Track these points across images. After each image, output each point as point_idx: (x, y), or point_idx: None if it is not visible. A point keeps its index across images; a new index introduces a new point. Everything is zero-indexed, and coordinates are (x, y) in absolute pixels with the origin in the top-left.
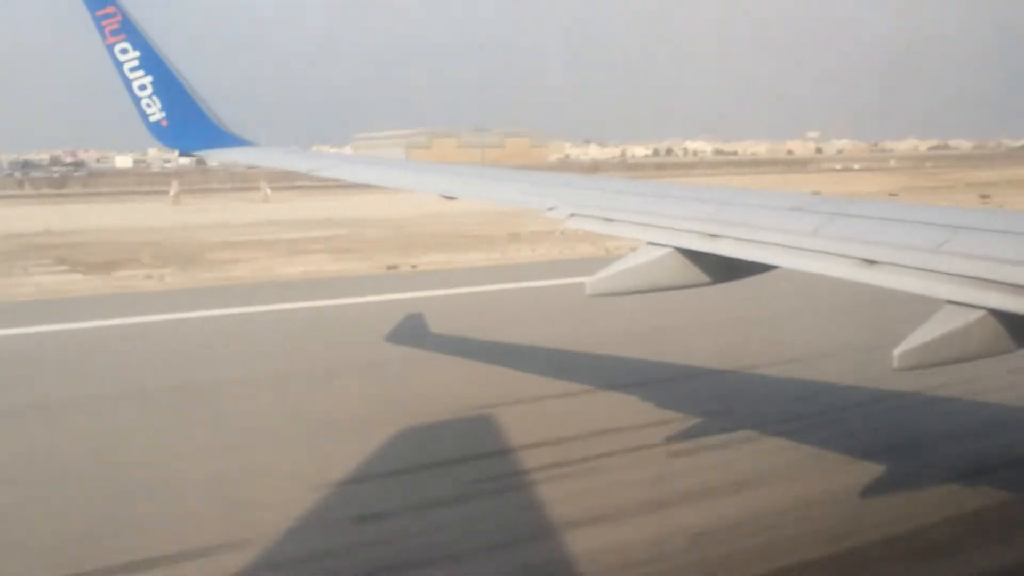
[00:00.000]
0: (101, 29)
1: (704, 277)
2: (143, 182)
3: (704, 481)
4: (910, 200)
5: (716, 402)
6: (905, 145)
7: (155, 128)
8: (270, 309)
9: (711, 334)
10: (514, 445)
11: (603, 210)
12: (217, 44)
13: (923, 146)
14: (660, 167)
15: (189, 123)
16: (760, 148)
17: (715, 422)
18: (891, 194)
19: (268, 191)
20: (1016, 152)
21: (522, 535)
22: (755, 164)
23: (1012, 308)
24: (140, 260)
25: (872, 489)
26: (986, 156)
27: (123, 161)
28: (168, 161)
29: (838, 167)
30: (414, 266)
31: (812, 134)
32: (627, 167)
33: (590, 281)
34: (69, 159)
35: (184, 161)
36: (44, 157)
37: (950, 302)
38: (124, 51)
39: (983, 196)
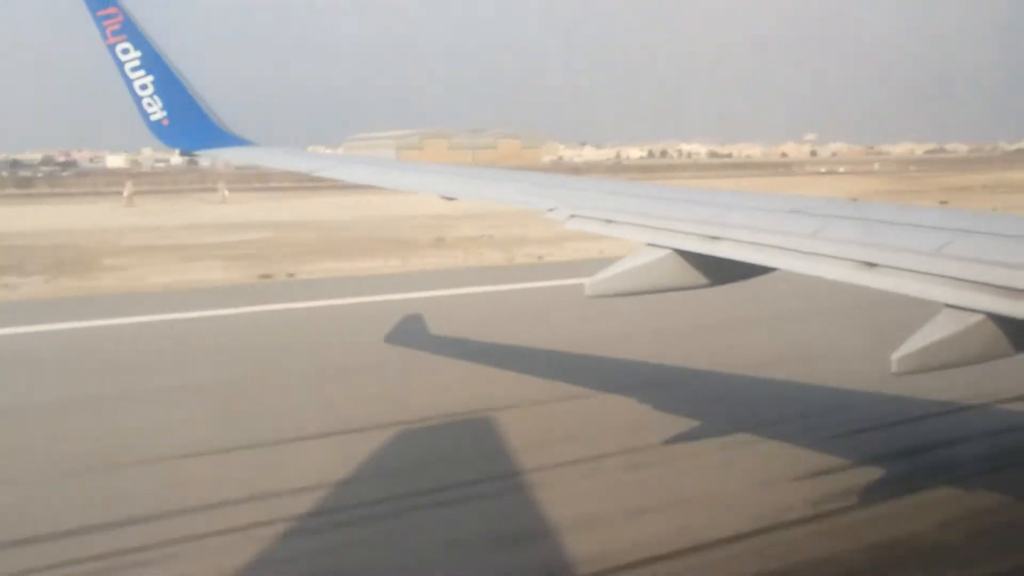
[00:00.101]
0: (103, 29)
1: (703, 279)
2: (119, 182)
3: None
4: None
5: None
6: (900, 149)
7: (156, 127)
8: (61, 328)
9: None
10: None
11: (603, 211)
12: (210, 43)
13: (919, 150)
14: (643, 169)
15: (190, 123)
16: (755, 151)
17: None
18: (853, 198)
19: (226, 193)
20: (1011, 156)
21: None
22: (738, 167)
23: (1011, 312)
24: (24, 266)
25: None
26: (980, 160)
27: (115, 161)
28: (160, 161)
29: (823, 170)
30: (291, 275)
31: (810, 136)
32: (607, 169)
33: (589, 282)
34: (62, 159)
35: (176, 161)
36: (38, 157)
37: (949, 306)
38: (125, 51)
39: (942, 201)
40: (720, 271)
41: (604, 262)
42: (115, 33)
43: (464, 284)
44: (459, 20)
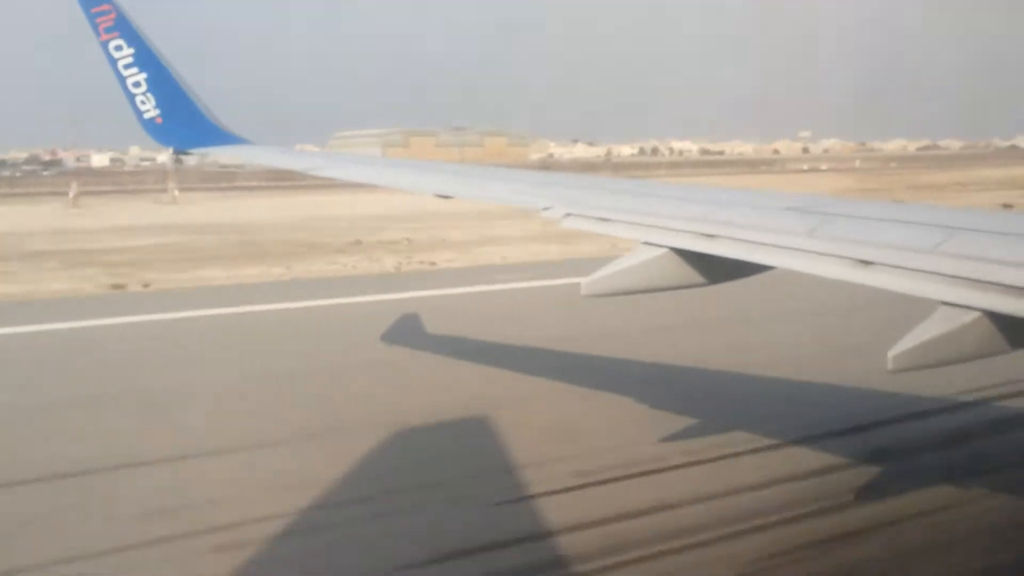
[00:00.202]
0: (95, 26)
1: (699, 278)
2: (88, 183)
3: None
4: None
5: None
6: (893, 145)
7: (150, 126)
8: None
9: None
10: None
11: (598, 210)
12: (190, 39)
13: (912, 146)
14: (617, 167)
15: (184, 121)
16: (747, 148)
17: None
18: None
19: (176, 193)
20: (1003, 153)
21: None
22: (714, 164)
23: (1008, 310)
24: None
25: None
26: (969, 157)
27: (100, 160)
28: (146, 160)
29: (804, 168)
30: (146, 285)
31: (804, 133)
32: (583, 165)
33: (585, 282)
34: (48, 157)
35: (163, 159)
36: (24, 156)
37: (945, 303)
38: (118, 48)
39: (896, 200)
40: (716, 270)
41: (506, 269)
42: (108, 30)
43: (321, 295)
44: (447, 16)
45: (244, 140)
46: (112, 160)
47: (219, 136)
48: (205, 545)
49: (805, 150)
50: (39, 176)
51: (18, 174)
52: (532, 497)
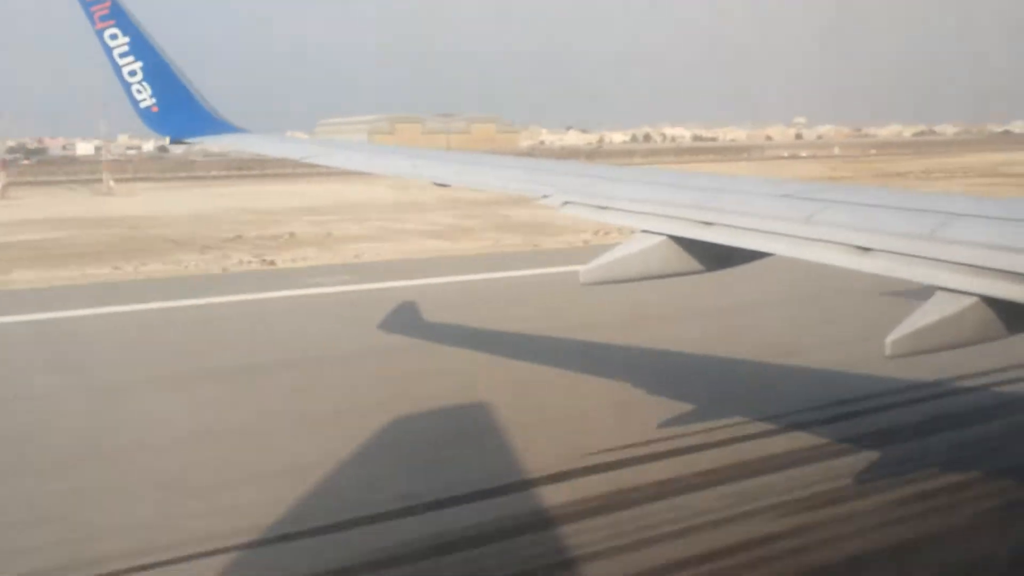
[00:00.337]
0: (90, 15)
1: (697, 265)
2: (40, 172)
3: None
4: None
5: None
6: (887, 131)
7: (146, 114)
8: None
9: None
10: None
11: (596, 197)
12: (175, 23)
13: (907, 132)
14: (591, 154)
15: (180, 110)
16: (740, 134)
17: None
18: None
19: (112, 183)
20: (996, 138)
21: None
22: (695, 151)
23: (1005, 295)
24: None
25: None
26: (961, 142)
27: (85, 148)
28: (132, 148)
29: (785, 155)
30: None
31: (799, 119)
32: (568, 153)
33: (584, 270)
34: (34, 145)
35: (148, 148)
36: (12, 144)
37: (942, 289)
38: (114, 36)
39: None
40: (714, 257)
41: (346, 269)
42: (103, 18)
43: (77, 304)
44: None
45: (240, 129)
46: (96, 148)
47: (215, 125)
48: None
49: (798, 136)
50: (18, 164)
51: None
52: None
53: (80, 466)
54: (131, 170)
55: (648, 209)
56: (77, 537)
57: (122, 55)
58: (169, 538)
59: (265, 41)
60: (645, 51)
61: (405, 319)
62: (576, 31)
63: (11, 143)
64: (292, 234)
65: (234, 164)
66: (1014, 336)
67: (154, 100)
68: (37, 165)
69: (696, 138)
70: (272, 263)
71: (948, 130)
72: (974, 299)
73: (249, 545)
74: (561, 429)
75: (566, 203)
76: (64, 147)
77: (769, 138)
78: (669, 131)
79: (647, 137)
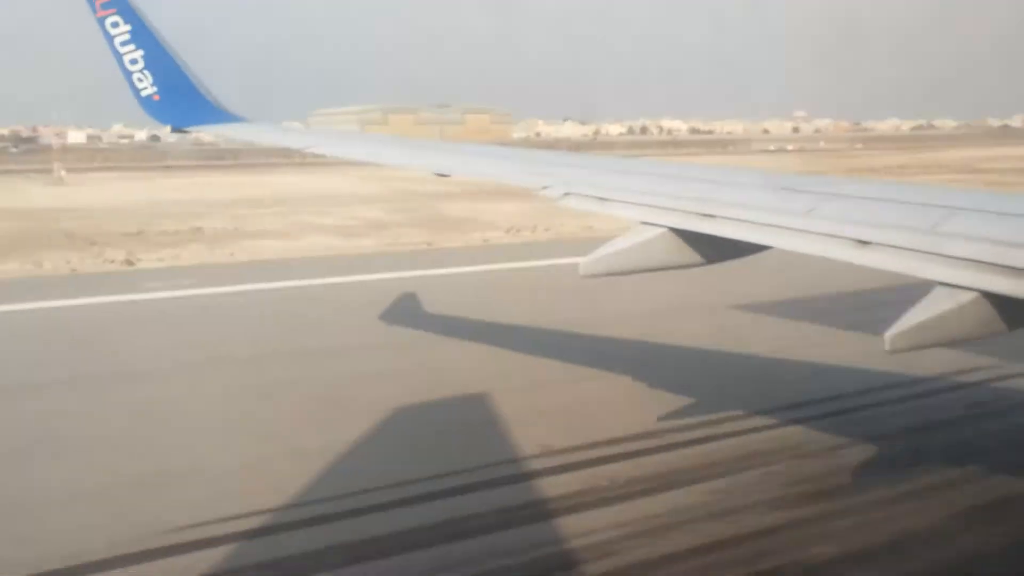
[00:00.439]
0: (91, 2)
1: (697, 258)
2: (33, 160)
3: None
4: None
5: None
6: (886, 125)
7: (147, 103)
8: None
9: None
10: None
11: (597, 189)
12: (171, 14)
13: (905, 126)
14: (575, 146)
15: (181, 98)
16: (737, 127)
17: None
18: None
19: (63, 173)
20: (993, 132)
21: None
22: (680, 144)
23: (1005, 290)
24: None
25: None
26: (957, 137)
27: (76, 137)
28: (124, 137)
29: (771, 148)
30: None
31: (800, 113)
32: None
33: (584, 262)
34: (28, 134)
35: (140, 137)
36: (5, 132)
37: (942, 284)
38: (115, 24)
39: None
40: (714, 249)
41: (216, 269)
42: (104, 6)
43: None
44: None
45: (241, 118)
46: (89, 137)
47: (216, 114)
48: None
49: (796, 130)
50: (7, 153)
51: None
52: None
53: None
54: (100, 159)
55: (649, 201)
56: None
57: (123, 43)
58: None
59: (258, 30)
60: (648, 44)
61: (172, 338)
62: (578, 22)
63: (3, 131)
64: (200, 229)
65: (214, 154)
66: (1014, 332)
67: (155, 88)
68: (22, 155)
69: (693, 131)
70: (131, 264)
71: (948, 124)
72: (974, 294)
73: None
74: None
75: (566, 194)
76: (57, 135)
77: (766, 131)
78: (667, 124)
79: (643, 129)
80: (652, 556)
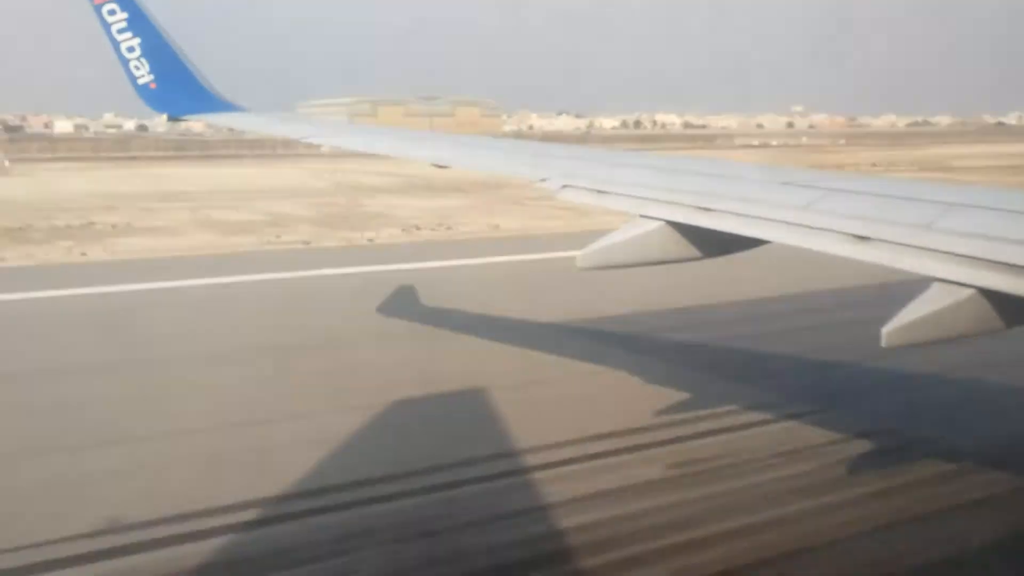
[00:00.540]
0: None
1: (695, 252)
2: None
3: None
4: None
5: None
6: (882, 121)
7: (143, 91)
8: None
9: None
10: None
11: (595, 182)
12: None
13: (901, 122)
14: (555, 136)
15: (178, 87)
16: (731, 122)
17: None
18: None
19: (7, 163)
20: (988, 129)
21: None
22: (658, 138)
23: (1003, 288)
24: None
25: None
26: (949, 134)
27: (64, 126)
28: (112, 127)
29: (755, 143)
30: None
31: (797, 108)
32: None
33: (581, 254)
34: (15, 123)
35: (129, 127)
36: None
37: (939, 280)
38: (112, 12)
39: None
40: (712, 243)
41: (57, 270)
42: None
43: None
44: None
45: (240, 107)
46: (76, 126)
47: (214, 103)
48: None
49: (790, 125)
50: None
51: None
52: None
53: None
54: (65, 149)
55: (647, 194)
56: None
57: (120, 31)
58: None
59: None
60: (646, 40)
61: None
62: (575, 15)
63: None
64: (91, 224)
65: (183, 145)
66: (1012, 330)
67: (152, 77)
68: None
69: (687, 125)
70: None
71: (943, 121)
72: (972, 291)
73: None
74: None
75: (565, 187)
76: (46, 125)
77: (760, 126)
78: (661, 118)
79: (637, 123)
80: None
